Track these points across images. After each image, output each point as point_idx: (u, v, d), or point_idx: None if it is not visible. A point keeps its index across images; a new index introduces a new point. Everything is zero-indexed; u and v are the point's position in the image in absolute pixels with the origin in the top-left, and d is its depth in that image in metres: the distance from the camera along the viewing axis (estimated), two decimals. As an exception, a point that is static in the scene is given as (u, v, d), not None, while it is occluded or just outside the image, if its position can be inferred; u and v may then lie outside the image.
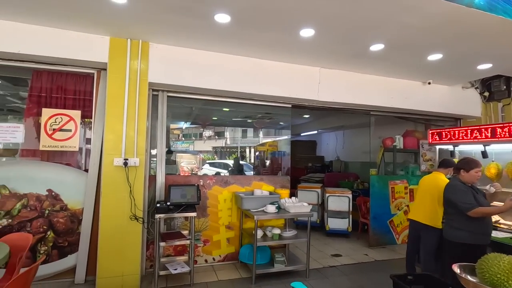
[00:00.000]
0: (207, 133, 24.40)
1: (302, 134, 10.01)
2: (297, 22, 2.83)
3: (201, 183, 3.86)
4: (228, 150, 23.99)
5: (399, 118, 5.29)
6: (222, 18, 2.76)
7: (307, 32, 3.03)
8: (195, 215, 3.28)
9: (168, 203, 3.21)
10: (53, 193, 3.30)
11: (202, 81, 3.58)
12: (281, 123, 9.51)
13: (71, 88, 3.50)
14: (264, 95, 3.97)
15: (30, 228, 3.20)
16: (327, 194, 5.48)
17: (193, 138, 25.17)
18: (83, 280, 3.27)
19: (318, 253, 4.44)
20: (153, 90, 3.62)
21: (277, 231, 3.58)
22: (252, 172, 9.97)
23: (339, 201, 5.40)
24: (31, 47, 3.01)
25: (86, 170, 3.43)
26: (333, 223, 5.38)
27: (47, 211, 3.27)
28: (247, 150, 23.07)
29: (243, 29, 3.00)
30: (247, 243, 3.91)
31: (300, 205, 3.69)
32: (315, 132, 9.20)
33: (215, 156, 21.63)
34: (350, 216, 5.34)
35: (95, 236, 3.30)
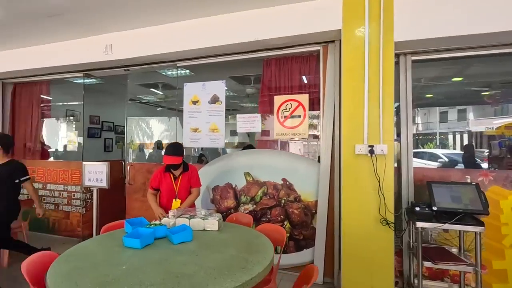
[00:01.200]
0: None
1: None
2: None
3: (468, 180, 2.63)
4: (421, 137, 20.02)
5: None
6: None
7: None
8: (483, 230, 2.13)
9: (434, 208, 2.25)
10: (287, 183, 3.19)
11: (472, 25, 2.33)
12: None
13: (296, 72, 3.28)
14: None
15: (270, 216, 3.23)
16: None
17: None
18: (321, 281, 2.95)
19: None
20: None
21: None
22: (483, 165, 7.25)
23: None
24: (265, 31, 2.91)
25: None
26: None
27: (283, 201, 3.19)
28: (450, 136, 18.26)
29: None
30: None
31: None
32: None
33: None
34: None
35: (330, 234, 2.92)
